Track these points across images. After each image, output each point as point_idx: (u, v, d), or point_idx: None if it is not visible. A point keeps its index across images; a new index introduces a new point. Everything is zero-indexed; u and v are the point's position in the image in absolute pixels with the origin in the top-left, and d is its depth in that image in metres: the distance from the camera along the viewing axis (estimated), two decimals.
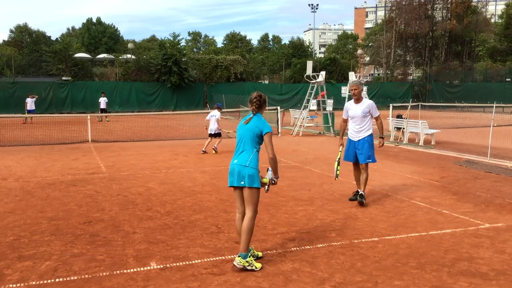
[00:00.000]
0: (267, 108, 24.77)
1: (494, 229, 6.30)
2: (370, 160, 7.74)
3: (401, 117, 17.87)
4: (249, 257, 4.85)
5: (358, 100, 7.84)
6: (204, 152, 13.81)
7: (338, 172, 7.99)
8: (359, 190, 7.91)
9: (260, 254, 5.22)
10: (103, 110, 28.76)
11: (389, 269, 4.90)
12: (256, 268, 4.81)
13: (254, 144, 4.97)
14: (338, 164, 7.99)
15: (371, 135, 7.80)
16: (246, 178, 4.87)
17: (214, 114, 14.00)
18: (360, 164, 7.81)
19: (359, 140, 7.77)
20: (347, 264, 5.03)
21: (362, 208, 7.37)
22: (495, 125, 13.77)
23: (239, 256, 4.81)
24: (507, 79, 46.37)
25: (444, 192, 8.62)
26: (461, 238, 5.93)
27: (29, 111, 26.55)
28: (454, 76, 51.82)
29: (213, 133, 13.92)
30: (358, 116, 7.78)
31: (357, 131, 7.80)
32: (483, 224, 6.54)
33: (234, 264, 4.81)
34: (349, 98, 19.99)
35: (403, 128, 16.79)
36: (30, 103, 26.83)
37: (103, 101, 29.02)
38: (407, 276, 4.70)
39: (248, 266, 4.78)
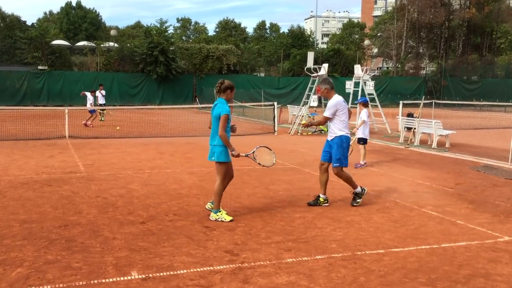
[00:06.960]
0: (262, 103, 24.46)
1: None
2: (338, 164, 7.89)
3: (412, 116, 17.92)
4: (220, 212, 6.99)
5: (329, 99, 8.11)
6: None
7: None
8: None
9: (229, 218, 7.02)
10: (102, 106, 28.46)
11: (396, 284, 4.92)
12: (225, 219, 6.88)
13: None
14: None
15: (339, 137, 7.88)
16: (216, 154, 6.86)
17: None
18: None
19: (331, 140, 8.01)
20: (349, 278, 5.05)
21: (366, 217, 7.39)
22: None
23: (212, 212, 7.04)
24: None
25: (459, 200, 8.66)
26: (477, 252, 5.95)
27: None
28: (472, 71, 51.98)
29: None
30: None
31: (329, 129, 8.07)
32: (502, 237, 6.55)
33: (209, 219, 6.96)
34: (354, 94, 20.10)
35: (414, 129, 16.82)
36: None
37: (100, 96, 28.68)
38: None
39: (218, 219, 6.92)
